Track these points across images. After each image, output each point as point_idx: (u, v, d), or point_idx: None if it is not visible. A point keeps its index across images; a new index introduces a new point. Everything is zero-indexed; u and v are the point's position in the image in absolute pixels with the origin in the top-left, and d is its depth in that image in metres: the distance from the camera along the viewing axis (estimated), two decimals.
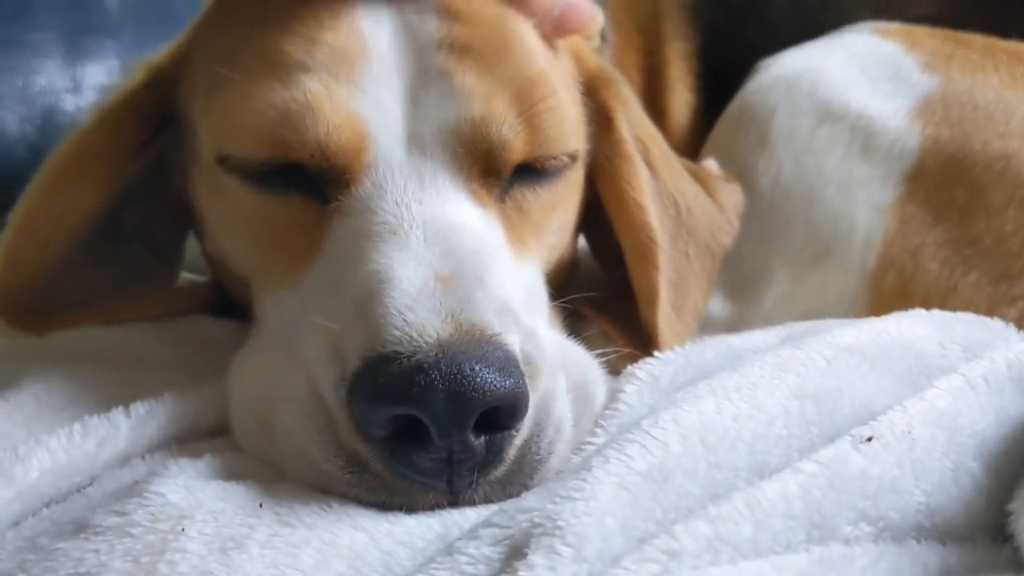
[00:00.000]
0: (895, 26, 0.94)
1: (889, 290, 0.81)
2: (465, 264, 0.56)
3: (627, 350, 0.66)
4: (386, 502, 0.51)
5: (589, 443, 0.56)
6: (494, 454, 0.51)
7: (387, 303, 0.52)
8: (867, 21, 0.96)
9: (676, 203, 0.74)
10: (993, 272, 0.80)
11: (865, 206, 0.82)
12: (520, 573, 0.41)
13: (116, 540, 0.46)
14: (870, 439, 0.49)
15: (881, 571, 0.45)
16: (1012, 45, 0.91)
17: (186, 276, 0.87)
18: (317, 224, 0.61)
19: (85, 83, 1.12)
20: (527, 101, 0.63)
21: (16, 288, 0.69)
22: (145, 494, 0.49)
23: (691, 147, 0.97)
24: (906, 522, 0.48)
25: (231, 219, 0.66)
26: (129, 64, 0.94)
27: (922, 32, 0.92)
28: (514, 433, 0.52)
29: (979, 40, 0.91)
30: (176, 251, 0.81)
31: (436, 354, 0.50)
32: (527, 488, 0.53)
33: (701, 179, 0.80)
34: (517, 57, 0.64)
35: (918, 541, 0.49)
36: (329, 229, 0.60)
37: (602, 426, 0.57)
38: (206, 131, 0.66)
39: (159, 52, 0.74)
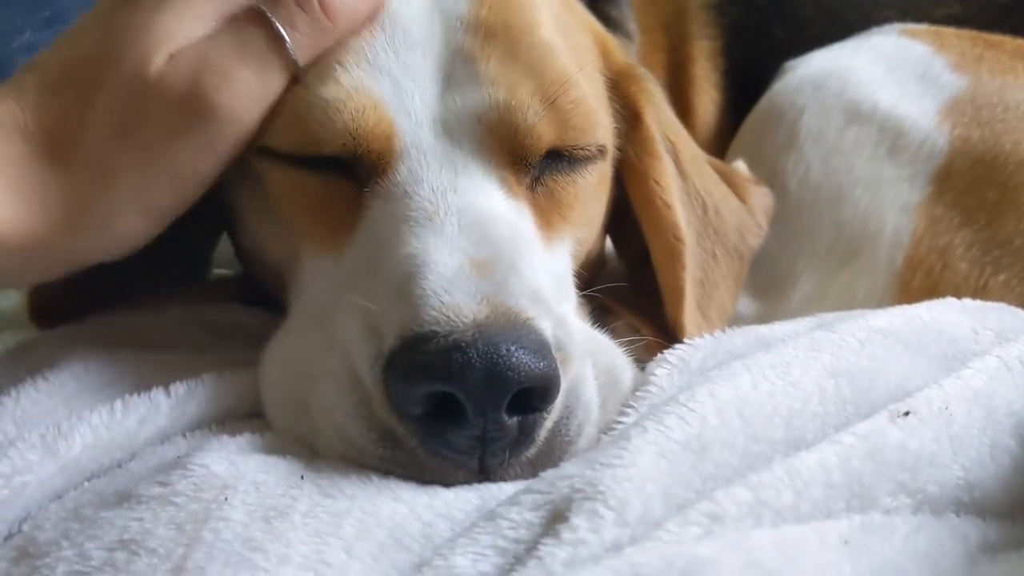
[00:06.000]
0: (923, 27, 0.94)
1: (917, 290, 0.81)
2: (499, 251, 0.57)
3: (651, 338, 0.67)
4: (418, 478, 0.52)
5: (619, 423, 0.56)
6: (526, 434, 0.52)
7: (424, 285, 0.54)
8: (894, 23, 0.96)
9: (704, 203, 0.75)
10: None
11: (893, 206, 0.83)
12: (564, 535, 0.42)
13: (160, 509, 0.47)
14: (907, 414, 0.49)
15: (922, 540, 0.45)
16: None
17: (217, 272, 0.89)
18: (354, 203, 0.62)
19: None
20: (550, 89, 0.64)
21: (50, 290, 0.71)
22: (188, 465, 0.49)
23: (718, 144, 0.97)
24: (945, 496, 0.49)
25: (268, 203, 0.67)
26: None
27: (951, 33, 0.92)
28: (545, 415, 0.53)
29: (1008, 42, 0.91)
30: (207, 251, 0.82)
31: (473, 334, 0.50)
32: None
33: (730, 180, 0.80)
34: (540, 48, 0.65)
35: (957, 515, 0.49)
36: (366, 209, 0.62)
37: (632, 407, 0.57)
38: None
39: None
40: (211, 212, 0.77)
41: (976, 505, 0.50)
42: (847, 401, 0.53)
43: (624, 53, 0.76)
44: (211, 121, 0.57)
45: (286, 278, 0.68)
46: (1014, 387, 0.54)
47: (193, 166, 0.59)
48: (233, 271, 0.88)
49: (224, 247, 0.84)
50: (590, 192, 0.69)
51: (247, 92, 0.58)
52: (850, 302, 0.82)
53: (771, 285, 0.85)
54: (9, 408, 0.57)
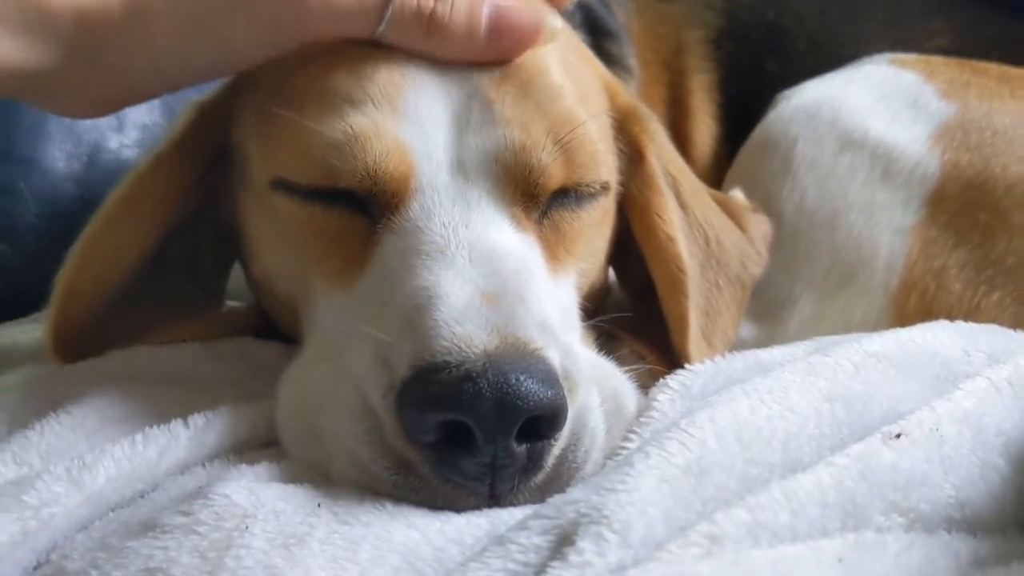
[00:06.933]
0: (912, 56, 0.96)
1: (913, 311, 0.83)
2: (508, 284, 0.59)
3: (656, 367, 0.69)
4: (430, 504, 0.54)
5: (623, 448, 0.58)
6: (534, 461, 0.54)
7: (436, 316, 0.55)
8: (884, 54, 0.99)
9: (706, 235, 0.77)
10: (1017, 292, 0.81)
11: (887, 229, 0.84)
12: (571, 558, 0.44)
13: (184, 537, 0.49)
14: (899, 436, 0.51)
15: (914, 557, 0.47)
16: None
17: (229, 304, 0.90)
18: (367, 239, 0.64)
19: (128, 121, 1.16)
20: (561, 131, 0.66)
21: (72, 324, 0.73)
22: (210, 495, 0.51)
23: (715, 174, 0.99)
24: (936, 514, 0.50)
25: (282, 236, 0.69)
26: (174, 106, 0.97)
27: (939, 62, 0.94)
28: (553, 442, 0.55)
29: (994, 68, 0.93)
30: (220, 283, 0.84)
31: (483, 364, 0.52)
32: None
33: (731, 211, 0.82)
34: (551, 89, 0.68)
35: (949, 532, 0.51)
36: (378, 244, 0.64)
37: (636, 432, 0.59)
38: (259, 159, 0.70)
39: (207, 92, 0.78)
40: (223, 245, 0.80)
41: (967, 522, 0.51)
42: (842, 424, 0.55)
43: (628, 93, 0.79)
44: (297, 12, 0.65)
45: (299, 311, 0.70)
46: (1003, 408, 0.56)
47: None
48: (245, 303, 0.90)
49: (234, 280, 0.86)
50: (594, 227, 0.71)
51: (339, 7, 0.65)
52: (847, 324, 0.84)
53: (770, 309, 0.86)
54: (34, 441, 0.59)
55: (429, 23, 0.65)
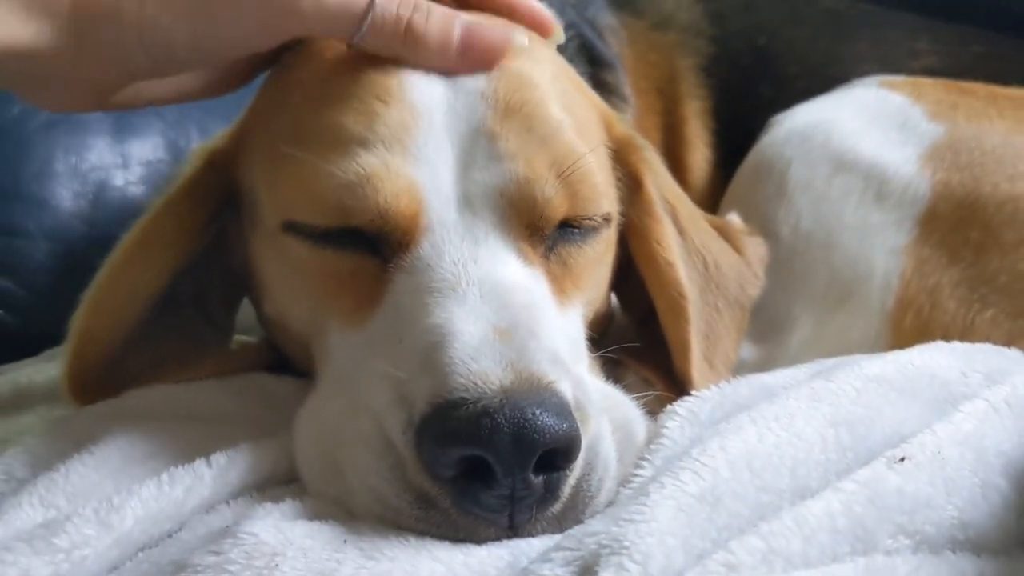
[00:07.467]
0: (901, 79, 0.98)
1: (909, 329, 0.84)
2: (519, 318, 0.61)
3: (663, 393, 0.70)
4: (451, 536, 0.55)
5: (636, 476, 0.60)
6: (551, 491, 0.56)
7: (452, 354, 0.57)
8: (873, 75, 1.01)
9: (704, 259, 0.79)
10: (1010, 308, 0.83)
11: (882, 249, 0.86)
12: None
13: None
14: (903, 459, 0.53)
15: None
16: (1013, 92, 0.96)
17: (239, 339, 0.92)
18: (378, 278, 0.66)
19: (133, 159, 1.18)
20: (563, 164, 0.68)
21: (88, 366, 0.74)
22: (239, 535, 0.52)
23: (710, 199, 1.01)
24: (941, 535, 0.52)
25: (294, 277, 0.71)
26: (178, 144, 0.99)
27: (927, 83, 0.96)
28: (568, 473, 0.57)
29: (981, 88, 0.96)
30: (229, 318, 0.86)
31: (500, 400, 0.54)
32: (579, 523, 0.57)
33: (727, 234, 0.84)
34: (552, 123, 0.70)
35: (954, 552, 0.52)
36: (390, 283, 0.65)
37: (648, 460, 0.60)
38: (270, 201, 0.71)
39: (215, 136, 0.80)
40: (232, 282, 0.81)
41: (971, 543, 0.53)
42: (847, 448, 0.57)
43: (623, 124, 0.81)
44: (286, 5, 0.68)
45: (312, 347, 0.72)
46: (1002, 428, 0.58)
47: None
48: (254, 337, 0.91)
49: (244, 314, 0.87)
50: (598, 258, 0.73)
51: (327, 6, 0.68)
52: (846, 344, 0.85)
53: (770, 330, 0.88)
54: (60, 483, 0.60)
55: (406, 31, 0.68)
